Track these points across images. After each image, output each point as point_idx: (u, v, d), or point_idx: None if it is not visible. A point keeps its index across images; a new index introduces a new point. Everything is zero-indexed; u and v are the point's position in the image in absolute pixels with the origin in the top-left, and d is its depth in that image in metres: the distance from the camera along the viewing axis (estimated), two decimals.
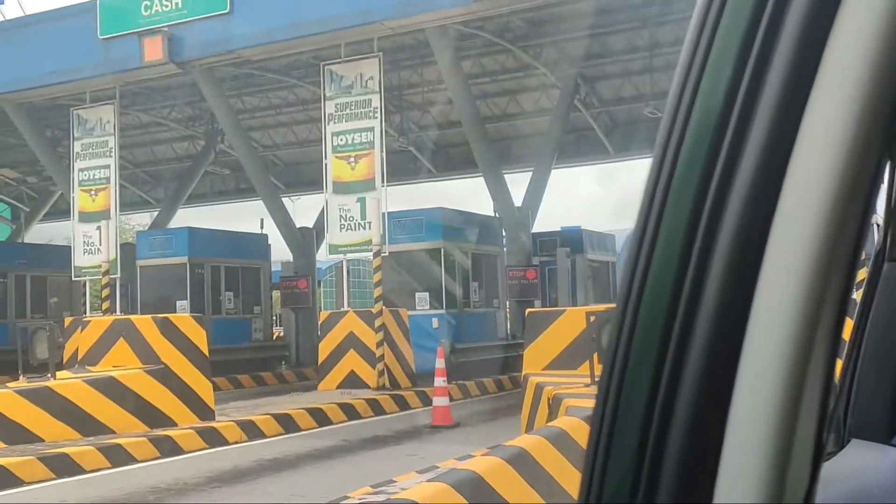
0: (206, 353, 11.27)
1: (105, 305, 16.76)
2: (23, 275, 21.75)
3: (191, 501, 7.61)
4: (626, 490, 0.74)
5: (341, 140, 15.73)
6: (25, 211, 33.43)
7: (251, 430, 11.31)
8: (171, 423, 10.63)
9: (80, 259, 18.13)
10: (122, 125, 28.63)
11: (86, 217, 18.05)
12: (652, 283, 0.75)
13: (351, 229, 15.58)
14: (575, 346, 8.65)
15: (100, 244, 17.25)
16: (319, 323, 16.06)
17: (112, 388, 10.10)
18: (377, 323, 14.66)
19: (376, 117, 15.51)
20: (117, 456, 9.41)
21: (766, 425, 0.68)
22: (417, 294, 17.07)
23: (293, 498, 7.46)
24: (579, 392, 7.34)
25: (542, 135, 25.54)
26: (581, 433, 6.26)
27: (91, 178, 18.10)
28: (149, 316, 11.39)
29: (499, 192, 20.01)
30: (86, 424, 9.84)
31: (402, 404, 14.28)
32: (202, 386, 11.12)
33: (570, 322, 8.76)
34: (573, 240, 22.50)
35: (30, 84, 17.27)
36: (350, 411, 13.17)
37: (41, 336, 9.89)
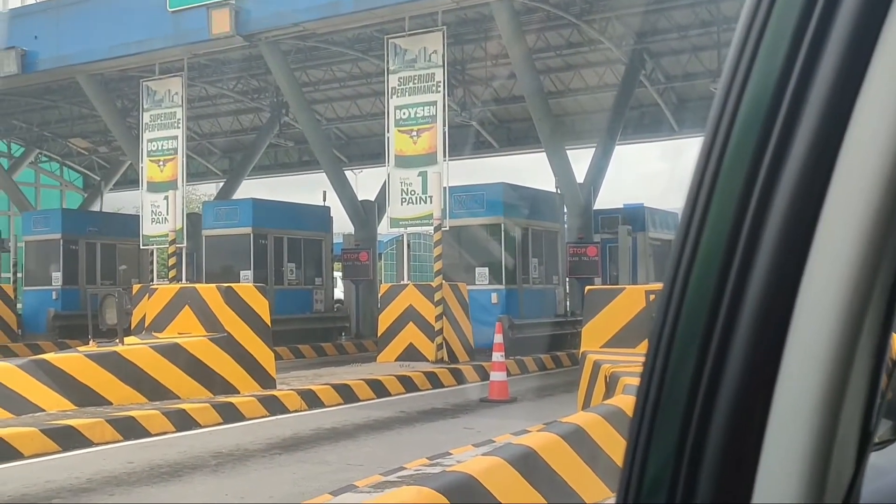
0: (269, 322, 11.47)
1: (171, 274, 17.11)
2: (93, 242, 22.30)
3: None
4: (665, 488, 0.73)
5: (404, 114, 15.77)
6: (96, 180, 34.29)
7: (311, 399, 11.50)
8: (234, 391, 10.87)
9: (147, 228, 18.56)
10: (189, 97, 29.12)
11: (154, 187, 18.44)
12: (698, 267, 0.74)
13: (412, 203, 15.65)
14: (634, 324, 8.60)
15: (167, 214, 17.62)
16: (380, 295, 16.19)
17: (177, 355, 10.36)
18: (437, 297, 14.74)
19: (439, 91, 15.51)
20: (181, 420, 9.66)
21: (809, 420, 0.67)
22: (477, 269, 17.10)
23: (350, 467, 7.59)
24: (637, 370, 7.29)
25: (606, 111, 25.27)
26: None
27: (159, 148, 18.46)
28: (213, 285, 11.61)
29: (560, 168, 19.86)
30: (151, 389, 10.12)
31: (460, 378, 14.37)
32: (264, 355, 11.33)
33: (630, 300, 8.71)
34: (635, 217, 22.26)
35: (101, 56, 17.65)
36: (408, 383, 13.30)
37: (110, 302, 10.18)
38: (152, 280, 18.89)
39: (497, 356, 12.30)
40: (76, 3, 18.03)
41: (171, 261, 17.21)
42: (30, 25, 18.45)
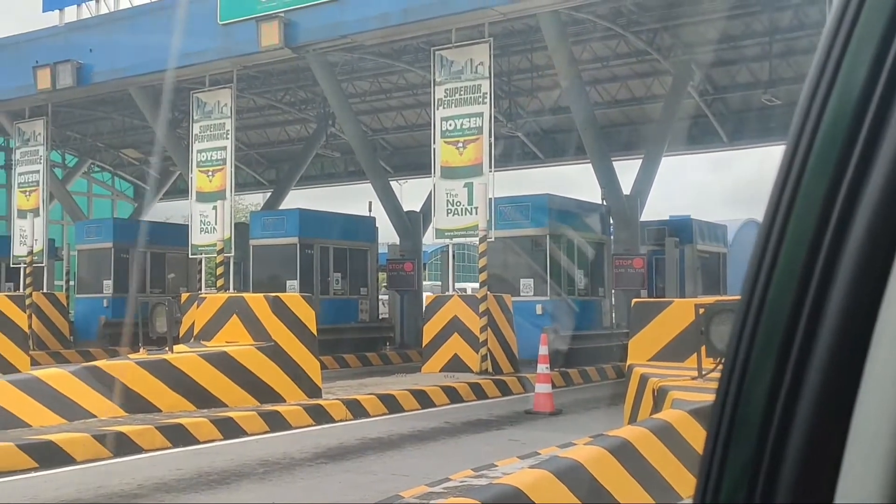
0: (315, 332, 11.55)
1: (219, 283, 17.32)
2: (143, 251, 22.66)
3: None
4: (744, 489, 0.73)
5: (450, 125, 15.82)
6: (146, 190, 34.86)
7: (356, 409, 11.55)
8: (280, 399, 10.95)
9: (196, 237, 18.81)
10: (238, 108, 29.58)
11: (203, 197, 18.69)
12: (778, 279, 0.74)
13: (457, 214, 15.66)
14: (682, 338, 8.51)
15: (215, 223, 17.84)
16: (425, 306, 16.21)
17: (225, 363, 10.47)
18: (481, 308, 14.72)
19: (485, 103, 15.53)
20: (229, 428, 9.76)
21: (892, 421, 0.66)
22: (522, 280, 17.06)
23: (395, 478, 7.60)
24: (686, 385, 7.22)
25: (653, 122, 25.12)
26: (687, 427, 6.17)
27: (208, 159, 18.72)
28: (261, 294, 11.73)
29: (607, 179, 19.76)
30: (199, 397, 10.24)
31: (505, 389, 14.33)
32: (310, 364, 11.41)
33: (678, 313, 8.62)
34: (682, 229, 22.06)
35: (154, 68, 17.95)
36: (453, 394, 13.29)
37: (160, 311, 10.33)
38: (200, 289, 19.13)
39: (542, 368, 12.24)
40: (130, 16, 18.42)
41: (219, 270, 17.43)
42: (85, 39, 18.86)
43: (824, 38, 0.77)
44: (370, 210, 22.40)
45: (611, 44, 23.66)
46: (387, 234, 24.78)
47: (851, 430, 0.68)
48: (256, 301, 11.19)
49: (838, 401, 0.69)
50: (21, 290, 20.58)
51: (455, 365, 15.12)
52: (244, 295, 12.42)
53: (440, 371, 15.19)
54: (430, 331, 15.51)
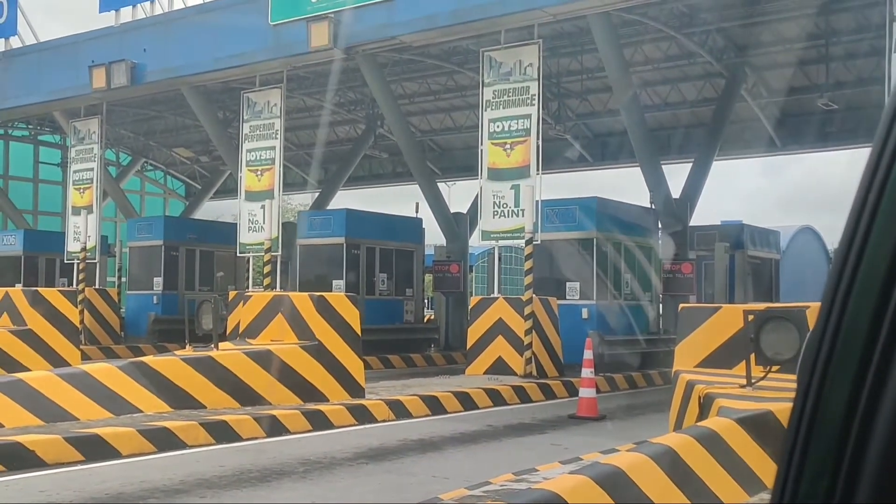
0: (359, 332, 11.56)
1: (266, 281, 17.47)
2: (192, 249, 22.94)
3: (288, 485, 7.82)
4: (823, 488, 0.73)
5: (498, 127, 15.75)
6: (198, 188, 35.34)
7: (399, 410, 11.53)
8: (323, 398, 10.98)
9: (244, 236, 18.97)
10: (287, 108, 29.81)
11: (251, 196, 18.86)
12: (860, 285, 0.74)
13: (504, 216, 15.59)
14: (730, 344, 8.35)
15: (263, 222, 17.98)
16: (470, 308, 16.17)
17: (269, 361, 10.52)
18: (526, 311, 14.64)
19: (534, 104, 15.44)
20: (272, 426, 9.80)
21: None
22: (568, 283, 16.93)
23: (435, 480, 7.56)
24: (733, 393, 7.07)
25: (704, 125, 24.79)
26: (733, 435, 6.04)
27: (257, 158, 18.88)
28: (306, 293, 11.78)
29: (656, 182, 19.53)
30: (244, 394, 10.30)
31: (549, 393, 14.22)
32: (354, 364, 11.42)
33: (726, 320, 8.45)
34: (733, 235, 21.71)
35: (206, 68, 18.18)
36: (496, 397, 13.22)
37: (206, 308, 10.42)
38: (247, 287, 19.30)
39: (587, 372, 12.12)
40: (183, 17, 18.65)
41: (267, 268, 17.57)
42: (139, 39, 19.14)
43: None
44: (417, 211, 22.42)
45: (662, 45, 23.40)
46: (434, 236, 24.81)
47: None
48: (301, 300, 11.24)
49: None
50: (74, 285, 20.97)
51: (499, 367, 15.06)
52: (289, 294, 12.48)
53: (484, 373, 15.14)
54: (474, 333, 15.46)
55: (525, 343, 14.66)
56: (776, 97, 25.09)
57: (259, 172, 18.74)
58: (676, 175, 22.58)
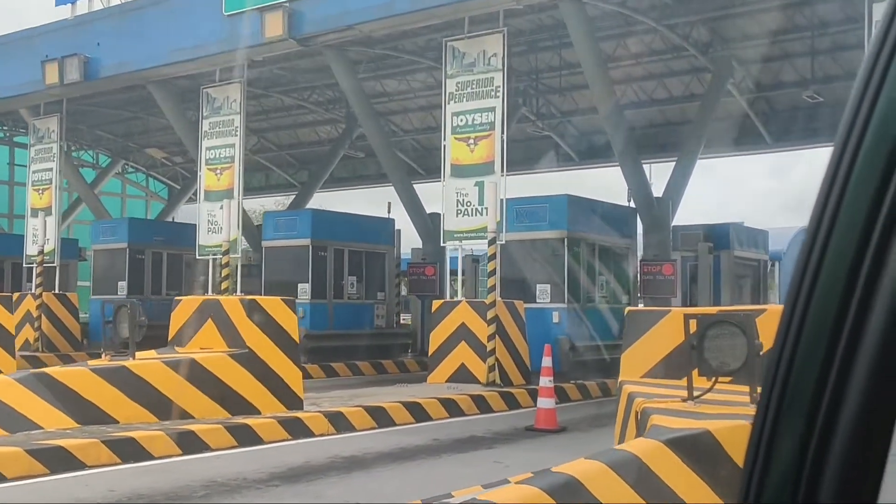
0: (297, 338, 10.72)
1: (224, 285, 16.63)
2: (159, 252, 22.13)
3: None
4: (788, 489, 0.75)
5: (461, 121, 14.94)
6: (178, 190, 34.55)
7: (340, 423, 10.72)
8: (255, 411, 10.16)
9: (203, 238, 18.17)
10: (265, 107, 29.05)
11: (211, 196, 18.04)
12: (823, 284, 0.75)
13: (468, 215, 14.77)
14: (680, 352, 7.50)
15: (223, 223, 17.13)
16: (432, 312, 15.35)
17: (192, 371, 9.70)
18: (489, 315, 13.81)
19: (498, 97, 14.61)
20: (189, 442, 8.98)
21: None
22: (538, 286, 16.07)
23: None
24: (672, 408, 6.23)
25: (693, 122, 23.94)
26: (659, 460, 5.20)
27: (217, 156, 18.07)
28: (236, 297, 10.97)
29: (636, 180, 18.69)
30: (163, 407, 9.48)
31: (512, 403, 13.39)
32: (290, 373, 10.59)
33: (676, 324, 7.60)
34: (718, 234, 20.83)
35: (161, 62, 17.39)
36: (452, 407, 12.40)
37: (123, 314, 9.60)
38: (207, 291, 18.47)
39: (545, 381, 11.28)
40: (137, 8, 17.83)
41: (225, 271, 16.74)
42: (93, 32, 18.34)
43: (872, 43, 0.77)
44: (389, 211, 21.58)
45: (645, 39, 22.54)
46: (413, 239, 23.92)
47: None
48: (231, 304, 10.41)
49: (883, 402, 0.70)
50: (32, 290, 20.19)
51: (462, 375, 14.24)
52: (220, 298, 11.65)
53: (446, 382, 14.33)
54: (436, 338, 14.65)
55: (488, 349, 13.83)
56: (765, 92, 24.24)
57: (218, 171, 17.93)
58: (665, 174, 21.71)
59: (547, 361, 11.38)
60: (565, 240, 15.87)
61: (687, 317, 6.29)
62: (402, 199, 21.24)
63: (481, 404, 12.88)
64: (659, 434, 5.44)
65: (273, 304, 10.61)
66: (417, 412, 11.84)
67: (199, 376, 9.71)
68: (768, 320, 7.41)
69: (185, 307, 10.83)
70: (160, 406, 9.44)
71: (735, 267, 21.96)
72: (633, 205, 18.22)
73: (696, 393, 6.43)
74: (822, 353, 0.72)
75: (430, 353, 14.77)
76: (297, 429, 10.11)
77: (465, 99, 14.86)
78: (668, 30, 20.90)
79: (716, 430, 5.52)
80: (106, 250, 22.16)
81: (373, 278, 20.27)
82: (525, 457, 9.08)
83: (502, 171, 14.43)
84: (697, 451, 5.36)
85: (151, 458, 8.61)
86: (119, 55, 17.83)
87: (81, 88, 18.78)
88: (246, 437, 9.53)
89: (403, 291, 23.06)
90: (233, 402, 9.97)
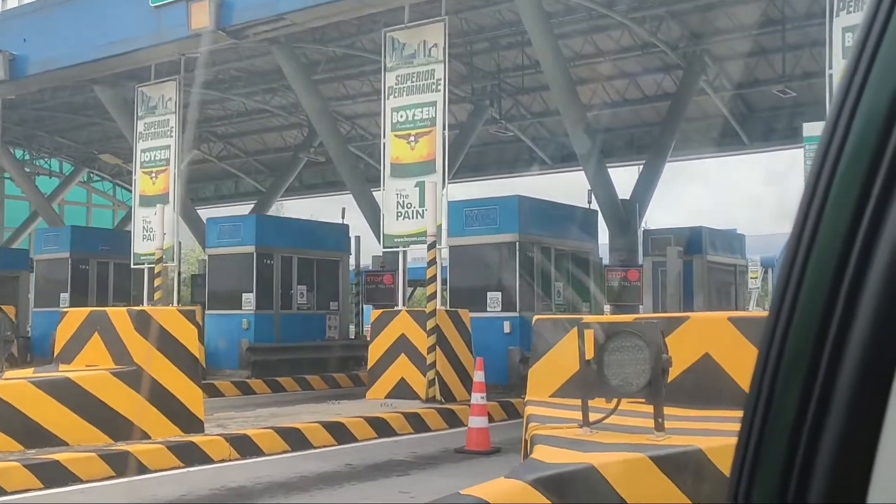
0: (196, 353, 9.66)
1: (157, 296, 15.56)
2: (105, 261, 21.04)
3: None
4: (777, 489, 0.75)
5: (401, 116, 13.91)
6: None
7: (245, 447, 9.64)
8: (144, 436, 9.07)
9: (139, 245, 17.09)
10: (227, 112, 28.03)
11: (146, 201, 16.98)
12: (808, 287, 0.75)
13: (408, 217, 13.73)
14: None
15: (157, 230, 16.08)
16: (371, 323, 14.29)
17: (67, 393, 8.62)
18: (429, 325, 12.74)
19: (439, 90, 13.59)
20: (53, 474, 7.89)
21: None
22: (489, 293, 14.99)
23: None
24: (563, 436, 5.17)
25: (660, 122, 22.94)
26: None
27: (152, 159, 17.01)
28: (124, 308, 9.90)
29: (600, 182, 17.66)
30: (30, 434, 8.39)
31: (453, 420, 12.31)
32: (188, 392, 9.51)
33: (592, 334, 6.54)
34: (690, 238, 19.80)
35: (89, 58, 16.32)
36: (382, 427, 11.32)
37: None
38: (141, 302, 17.38)
39: (476, 398, 10.21)
40: (63, 2, 16.75)
41: (158, 281, 15.67)
42: (19, 28, 17.29)
43: (855, 45, 0.77)
44: (343, 217, 20.52)
45: (614, 35, 21.58)
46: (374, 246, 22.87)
47: (883, 432, 0.68)
48: (118, 316, 9.34)
49: (871, 401, 0.69)
50: None
51: (402, 391, 13.18)
52: (107, 309, 10.58)
53: (386, 397, 13.27)
54: (375, 351, 13.59)
55: (428, 362, 12.76)
56: (740, 90, 23.22)
57: (153, 175, 16.87)
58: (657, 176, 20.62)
59: (479, 376, 10.32)
60: (517, 244, 14.80)
61: (581, 326, 5.23)
62: (360, 206, 20.20)
63: (416, 423, 11.81)
64: (528, 472, 4.38)
65: (168, 316, 9.53)
66: (340, 433, 10.77)
67: (75, 398, 8.63)
68: (694, 329, 6.35)
69: (70, 320, 9.75)
70: (26, 433, 8.35)
71: (711, 273, 20.95)
72: (592, 206, 17.16)
73: (599, 416, 5.37)
74: (809, 352, 0.71)
75: (368, 367, 13.71)
76: (191, 455, 9.04)
77: (405, 93, 13.84)
78: (636, 24, 19.92)
79: (602, 466, 4.46)
80: (48, 260, 21.09)
81: (325, 287, 19.19)
82: (440, 485, 7.99)
83: (444, 169, 13.39)
84: (572, 491, 4.30)
85: (5, 493, 7.53)
86: (46, 52, 16.77)
87: (8, 88, 17.70)
88: (125, 466, 8.45)
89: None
90: (116, 426, 8.88)
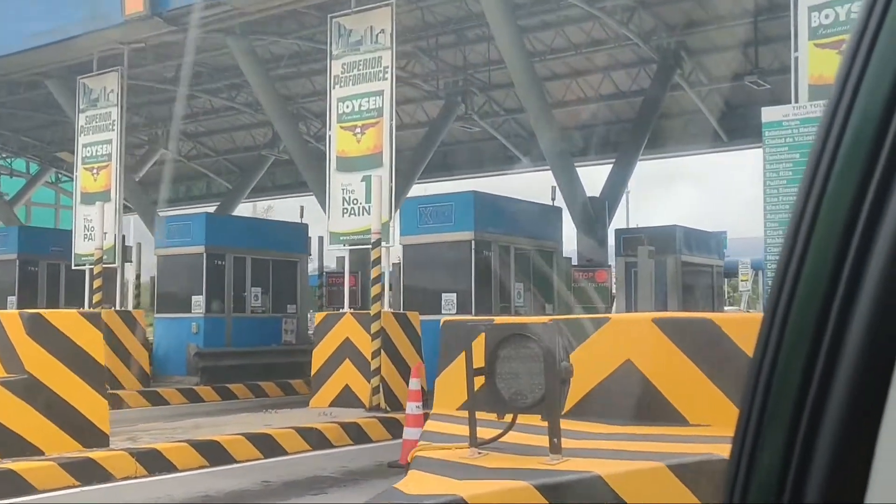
0: (101, 360, 8.81)
1: (96, 298, 14.72)
2: (56, 263, 20.16)
3: None
4: (773, 489, 0.74)
5: (347, 107, 13.12)
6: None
7: (155, 462, 8.80)
8: (36, 452, 8.23)
9: (80, 245, 16.24)
10: (193, 110, 27.17)
11: (87, 198, 16.13)
12: (804, 286, 0.74)
13: (354, 214, 12.94)
14: None
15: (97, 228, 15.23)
16: (315, 326, 13.48)
17: None
18: (373, 328, 11.93)
19: (387, 78, 12.79)
20: None
21: None
22: (444, 295, 14.19)
23: None
24: (445, 459, 4.36)
25: (633, 119, 22.18)
26: None
27: (93, 154, 16.16)
28: (16, 311, 9.06)
29: (566, 179, 16.91)
30: None
31: (396, 430, 11.46)
32: (91, 403, 8.68)
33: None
34: (663, 237, 19.02)
35: (17, 48, 15.46)
36: (315, 438, 10.50)
37: None
38: (83, 305, 16.52)
39: (412, 407, 9.38)
40: None
41: (97, 283, 14.82)
42: None
43: (850, 42, 0.76)
44: (302, 216, 19.70)
45: (585, 27, 20.83)
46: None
47: (882, 431, 0.68)
48: (10, 319, 8.51)
49: (868, 400, 0.68)
50: None
51: (346, 399, 12.39)
52: (1, 312, 9.73)
53: (329, 405, 12.47)
54: (319, 356, 12.78)
55: (372, 368, 11.95)
56: (718, 84, 22.45)
57: (95, 170, 16.03)
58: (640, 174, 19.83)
59: (414, 384, 9.50)
60: (472, 242, 13.99)
61: (470, 330, 4.42)
62: (322, 205, 19.36)
63: (355, 433, 10.99)
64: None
65: (67, 319, 8.70)
66: (268, 446, 9.94)
67: None
68: (614, 332, 5.54)
69: None
70: None
71: (687, 274, 20.19)
72: (557, 204, 16.38)
73: (479, 441, 4.55)
74: (805, 351, 0.71)
75: (312, 374, 12.89)
76: (89, 473, 8.21)
77: (351, 82, 13.05)
78: (606, 15, 19.16)
79: (473, 498, 3.64)
80: None
81: (282, 289, 18.35)
82: None
83: (391, 163, 12.58)
84: None
85: None
86: None
87: None
88: (10, 486, 7.61)
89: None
90: (2, 441, 8.04)
